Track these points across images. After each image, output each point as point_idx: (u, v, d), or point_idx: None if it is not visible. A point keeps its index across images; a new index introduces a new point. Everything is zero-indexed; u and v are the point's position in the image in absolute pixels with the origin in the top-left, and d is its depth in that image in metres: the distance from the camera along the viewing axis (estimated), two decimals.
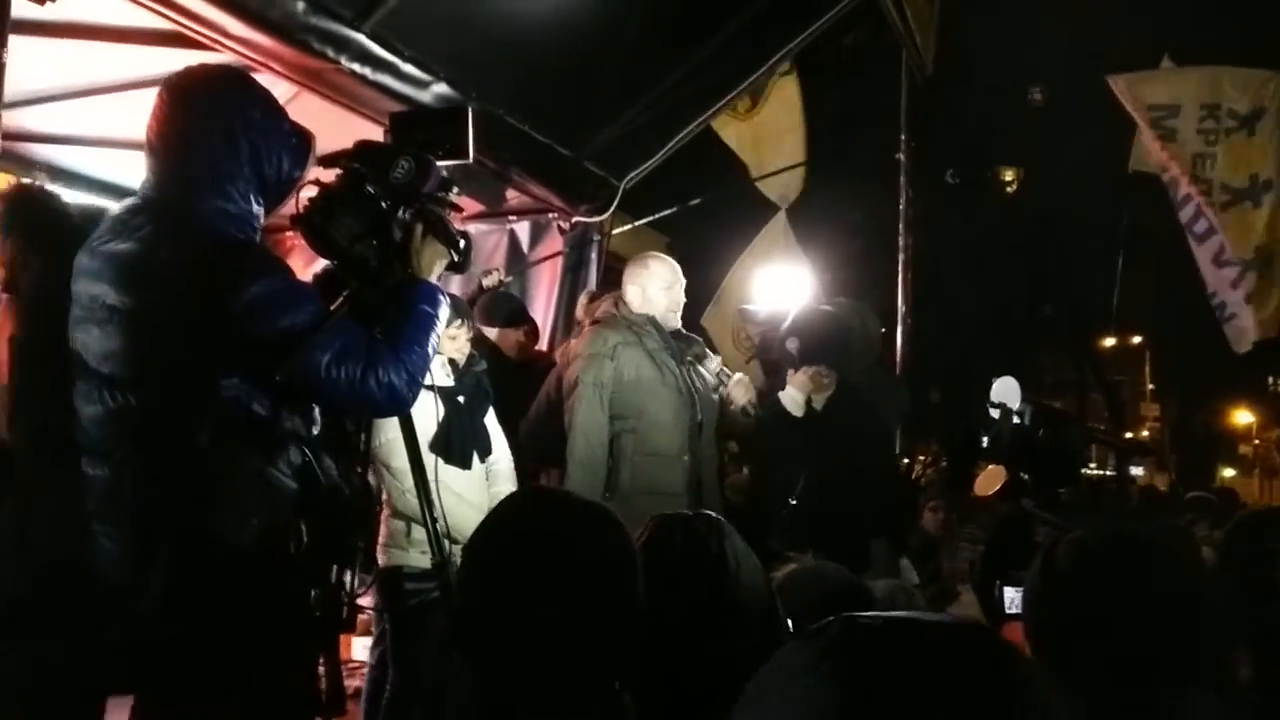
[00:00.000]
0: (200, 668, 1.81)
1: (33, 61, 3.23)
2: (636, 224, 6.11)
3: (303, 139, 2.04)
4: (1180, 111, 6.28)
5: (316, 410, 2.03)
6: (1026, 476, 3.00)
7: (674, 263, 3.80)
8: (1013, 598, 2.19)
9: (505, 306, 4.66)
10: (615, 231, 5.58)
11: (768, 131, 7.18)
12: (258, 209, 1.97)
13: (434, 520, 2.28)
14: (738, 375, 3.79)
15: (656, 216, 6.31)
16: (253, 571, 1.80)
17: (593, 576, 1.31)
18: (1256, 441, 25.84)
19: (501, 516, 1.40)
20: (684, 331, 3.81)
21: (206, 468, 1.79)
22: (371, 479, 2.93)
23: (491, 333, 4.41)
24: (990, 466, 3.33)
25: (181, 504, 1.79)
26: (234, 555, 1.77)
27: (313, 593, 1.89)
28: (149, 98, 2.00)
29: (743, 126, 7.10)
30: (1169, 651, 1.37)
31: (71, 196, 4.81)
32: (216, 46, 3.21)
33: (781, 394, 3.95)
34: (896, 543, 4.13)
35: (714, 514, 1.55)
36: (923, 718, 0.66)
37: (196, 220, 1.87)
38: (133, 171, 2.02)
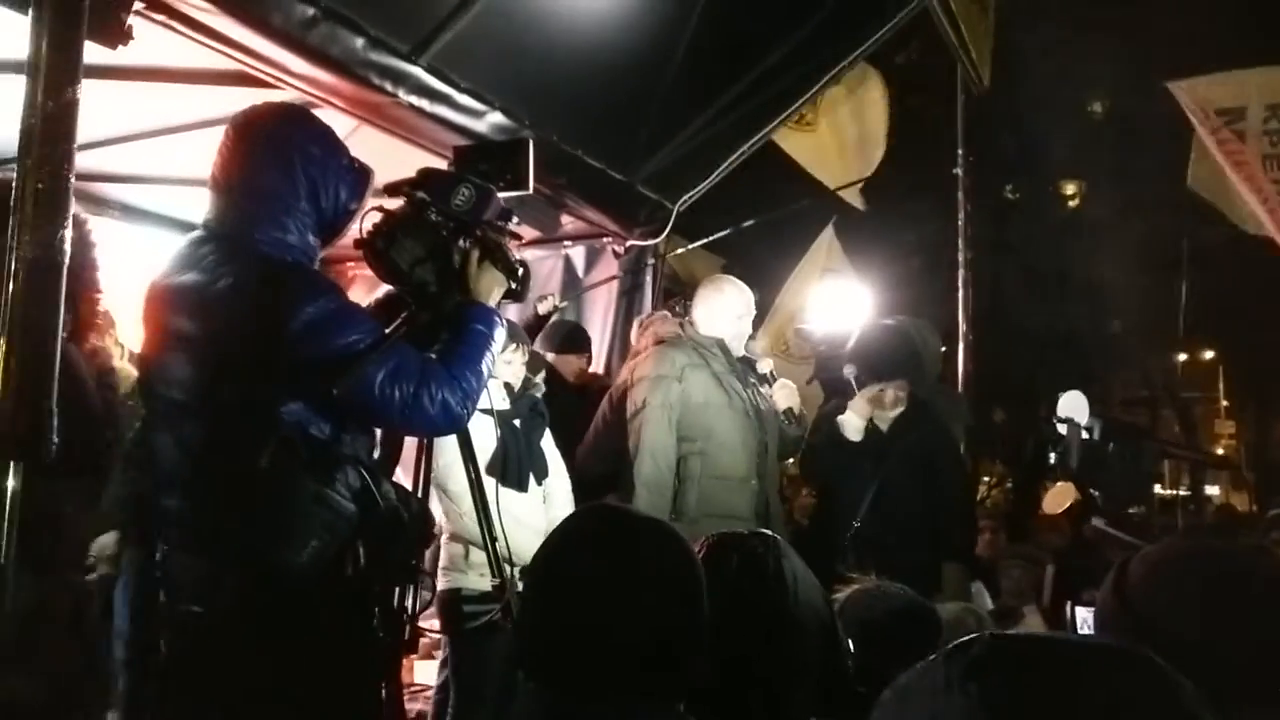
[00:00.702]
0: (264, 689, 1.84)
1: (105, 104, 3.35)
2: (691, 246, 6.10)
3: (360, 173, 2.09)
4: (1246, 114, 6.10)
5: (377, 434, 2.06)
6: (1096, 493, 2.92)
7: (749, 293, 3.77)
8: (1084, 618, 2.13)
9: (561, 331, 4.72)
10: (670, 255, 5.59)
11: (834, 140, 7.10)
12: (314, 240, 2.02)
13: (493, 540, 2.29)
14: (781, 380, 3.75)
15: (711, 239, 6.30)
16: (313, 593, 1.82)
17: (657, 594, 1.29)
18: None
19: (564, 534, 1.40)
20: (748, 355, 3.79)
21: (267, 490, 1.82)
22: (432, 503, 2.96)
23: (550, 356, 4.46)
24: (1059, 484, 3.25)
25: (244, 527, 1.83)
26: (294, 577, 1.80)
27: (376, 613, 1.91)
28: (215, 136, 2.07)
29: (806, 138, 7.02)
30: (1248, 671, 1.32)
31: (143, 233, 5.01)
32: (279, 84, 3.30)
33: (841, 418, 3.90)
34: (968, 566, 4.03)
35: (770, 532, 1.53)
36: None
37: (255, 249, 1.93)
38: (203, 208, 2.09)
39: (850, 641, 1.50)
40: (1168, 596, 1.42)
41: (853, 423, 3.85)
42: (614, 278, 5.25)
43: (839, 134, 7.08)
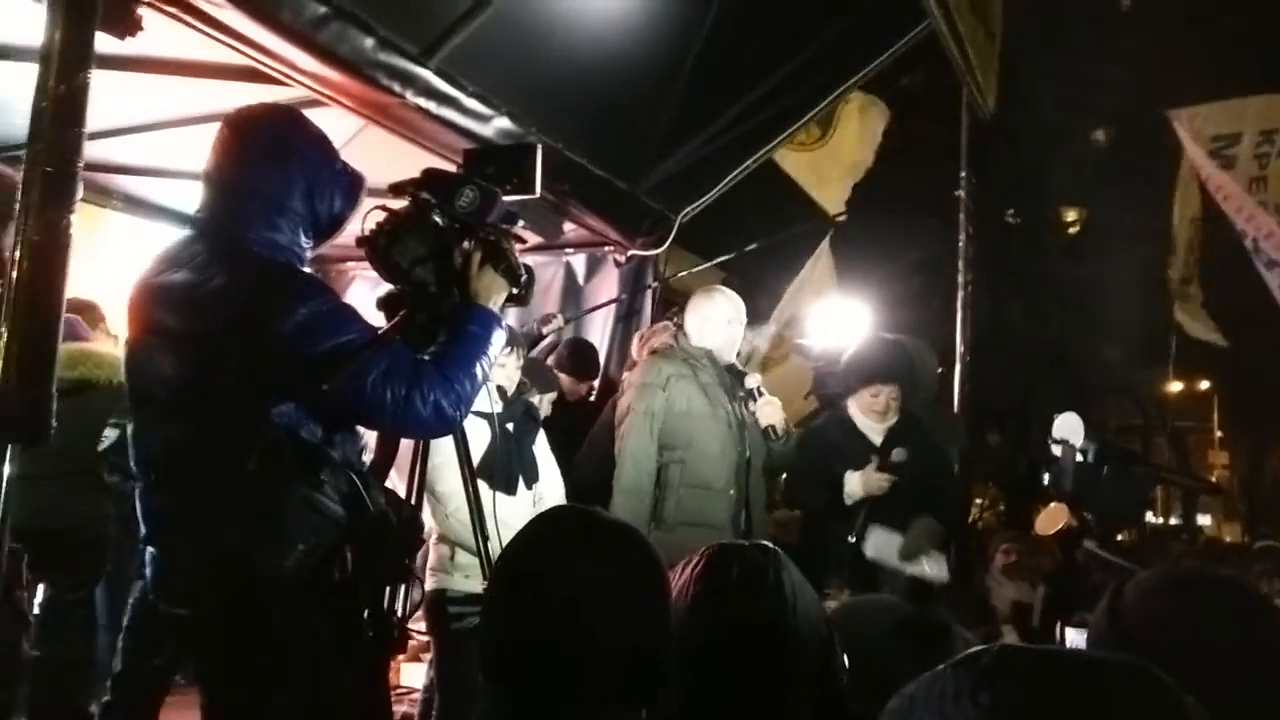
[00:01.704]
0: (251, 692, 1.82)
1: (111, 95, 3.35)
2: (695, 269, 6.10)
3: (353, 178, 2.08)
4: (1241, 139, 6.16)
5: (369, 438, 2.05)
6: (1089, 516, 2.92)
7: (739, 300, 3.81)
8: (1074, 639, 2.13)
9: (576, 352, 4.79)
10: (672, 269, 5.60)
11: (838, 160, 7.13)
12: (306, 242, 2.00)
13: (485, 539, 2.28)
14: (767, 396, 3.71)
15: (716, 262, 6.30)
16: (299, 597, 1.80)
17: (618, 599, 1.27)
18: None
19: (527, 537, 1.37)
20: (739, 368, 3.80)
21: (255, 493, 1.80)
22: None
23: (562, 377, 4.52)
24: (1052, 505, 3.24)
25: (231, 530, 1.81)
26: (281, 581, 1.78)
27: (365, 613, 1.89)
28: None
29: (809, 156, 7.05)
30: (1239, 697, 1.32)
31: (148, 227, 5.01)
32: (288, 81, 3.30)
33: (847, 484, 3.82)
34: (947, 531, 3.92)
35: (770, 544, 1.52)
36: None
37: (246, 248, 1.90)
38: None
39: (845, 656, 1.48)
40: (1162, 623, 1.42)
41: (853, 494, 3.79)
42: (616, 300, 5.25)
43: (840, 156, 7.11)
